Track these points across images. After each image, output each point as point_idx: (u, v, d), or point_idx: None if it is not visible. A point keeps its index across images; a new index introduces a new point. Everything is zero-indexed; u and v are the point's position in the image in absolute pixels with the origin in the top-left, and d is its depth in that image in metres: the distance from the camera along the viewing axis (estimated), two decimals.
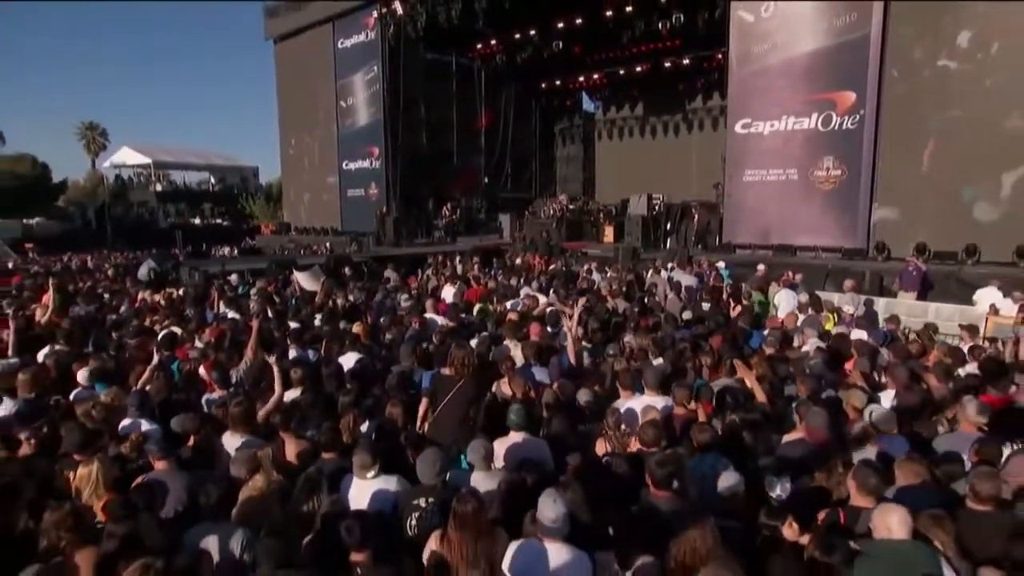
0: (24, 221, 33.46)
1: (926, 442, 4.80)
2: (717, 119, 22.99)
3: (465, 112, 26.41)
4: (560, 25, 21.60)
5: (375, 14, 23.29)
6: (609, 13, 20.40)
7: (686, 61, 22.95)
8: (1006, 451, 4.44)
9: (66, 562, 3.21)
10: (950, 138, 13.58)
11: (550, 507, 3.32)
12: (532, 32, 22.63)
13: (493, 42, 24.35)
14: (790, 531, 3.47)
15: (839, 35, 15.14)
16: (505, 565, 3.32)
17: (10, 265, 18.43)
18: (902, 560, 3.09)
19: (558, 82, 27.98)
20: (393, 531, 3.74)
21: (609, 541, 3.59)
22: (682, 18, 19.38)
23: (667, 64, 23.51)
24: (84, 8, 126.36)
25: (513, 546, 3.40)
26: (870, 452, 4.29)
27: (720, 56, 18.60)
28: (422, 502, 3.89)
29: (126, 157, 46.81)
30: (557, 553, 3.28)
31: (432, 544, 3.52)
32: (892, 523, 3.18)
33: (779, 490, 3.86)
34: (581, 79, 27.44)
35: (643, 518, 3.71)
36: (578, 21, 21.13)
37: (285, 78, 29.64)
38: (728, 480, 3.94)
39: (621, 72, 25.28)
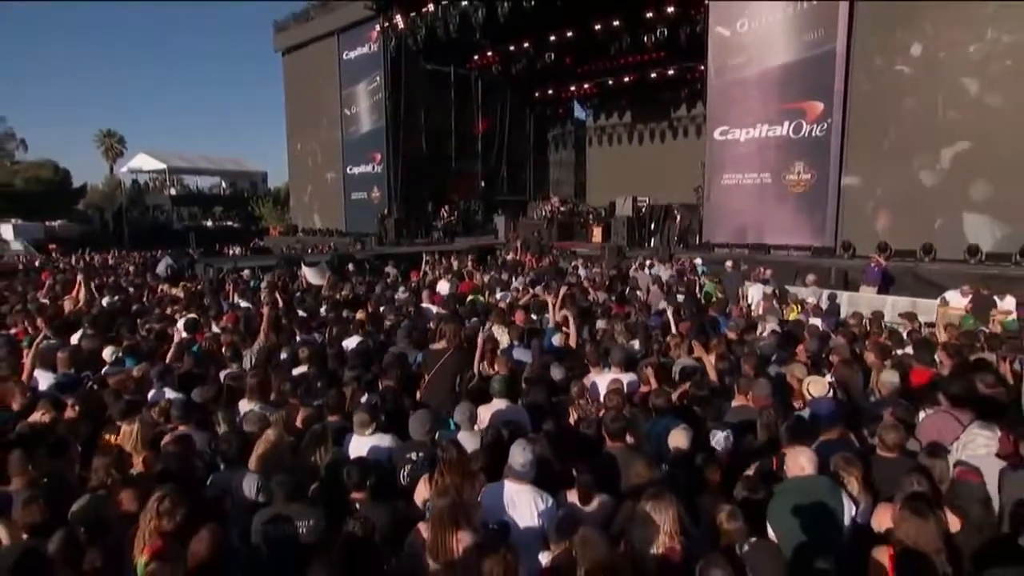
0: (47, 223, 33.75)
1: (857, 407, 5.27)
2: (700, 127, 23.22)
3: (463, 119, 26.72)
4: (552, 38, 21.89)
5: (378, 28, 23.62)
6: (598, 27, 20.70)
7: (670, 72, 23.27)
8: (922, 415, 4.93)
9: (112, 497, 3.64)
10: (905, 125, 14.24)
11: (520, 454, 3.76)
12: (526, 44, 22.91)
13: (489, 54, 24.60)
14: (716, 475, 3.92)
15: (808, 50, 15.58)
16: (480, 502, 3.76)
17: (36, 263, 18.81)
18: (808, 491, 3.53)
19: (551, 91, 28.26)
20: (388, 476, 4.16)
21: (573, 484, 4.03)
22: (666, 32, 19.67)
23: (652, 75, 23.83)
24: (104, 21, 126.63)
25: (487, 487, 3.84)
26: (804, 414, 4.75)
27: (701, 68, 18.99)
28: (413, 455, 4.32)
29: (142, 163, 47.11)
30: (523, 493, 3.70)
31: (421, 487, 3.95)
32: (802, 462, 3.64)
33: (720, 442, 4.30)
34: (572, 88, 27.76)
35: (601, 464, 4.15)
36: (569, 34, 21.43)
37: (292, 88, 29.99)
38: (677, 435, 4.37)
39: (610, 82, 25.59)
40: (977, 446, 4.20)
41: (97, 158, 56.03)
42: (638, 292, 11.62)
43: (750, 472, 4.15)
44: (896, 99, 14.27)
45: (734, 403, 5.21)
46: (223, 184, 49.37)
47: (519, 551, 3.36)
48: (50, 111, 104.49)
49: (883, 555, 3.30)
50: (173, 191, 45.46)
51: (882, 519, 3.71)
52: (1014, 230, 12.90)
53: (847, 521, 3.58)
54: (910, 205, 14.21)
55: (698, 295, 11.53)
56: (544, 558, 3.38)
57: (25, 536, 3.28)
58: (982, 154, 13.17)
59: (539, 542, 3.59)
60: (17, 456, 3.85)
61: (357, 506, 3.71)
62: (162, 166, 45.83)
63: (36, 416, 4.65)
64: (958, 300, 10.71)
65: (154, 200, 43.91)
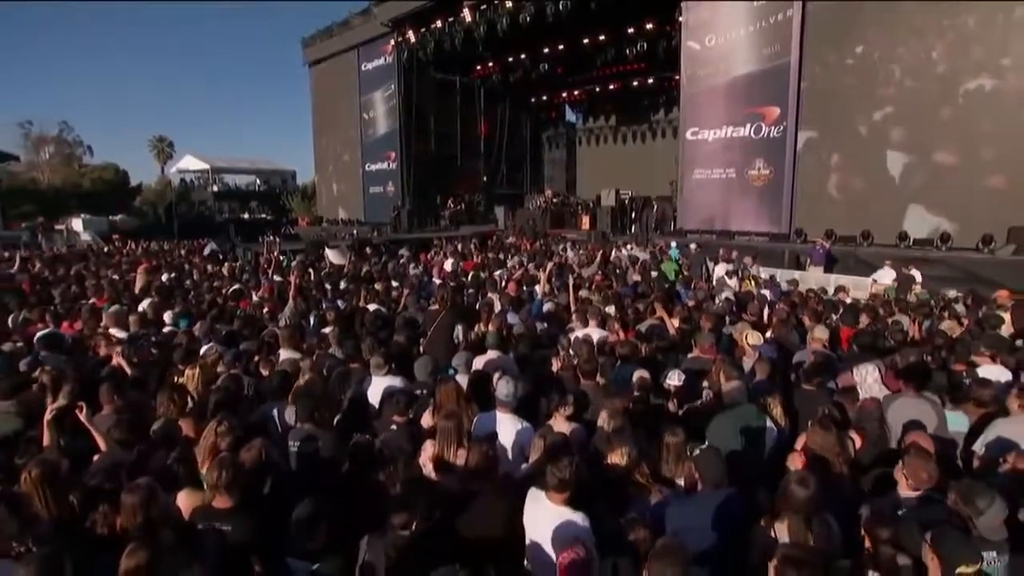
0: (110, 218, 34.13)
1: (790, 354, 5.60)
2: (675, 129, 23.15)
3: (467, 123, 26.74)
4: (546, 50, 21.97)
5: (392, 42, 23.67)
6: (586, 41, 20.81)
7: (649, 81, 23.35)
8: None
9: (175, 423, 3.97)
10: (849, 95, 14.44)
11: (504, 386, 4.05)
12: (523, 56, 22.95)
13: (491, 64, 24.61)
14: (672, 406, 4.25)
15: (766, 62, 15.72)
16: (473, 426, 4.07)
17: (105, 250, 19.19)
18: (738, 416, 3.86)
19: (545, 97, 28.34)
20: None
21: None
22: (645, 46, 19.74)
23: (634, 83, 23.90)
24: (155, 38, 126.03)
25: (479, 415, 4.15)
26: (748, 363, 5.08)
27: (676, 77, 19.10)
28: (419, 392, 4.64)
29: (188, 164, 47.09)
30: (507, 420, 4.01)
31: (427, 416, 4.27)
32: (732, 391, 3.95)
33: (673, 379, 4.61)
34: (564, 95, 27.85)
35: (575, 399, 4.44)
36: (561, 47, 21.51)
37: (318, 96, 30.05)
38: (639, 374, 4.68)
39: (597, 89, 25.67)
40: (868, 385, 4.53)
41: (150, 160, 56.29)
42: (618, 270, 11.90)
43: (696, 405, 4.49)
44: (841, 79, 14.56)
45: (690, 355, 5.51)
46: (258, 181, 49.37)
47: (501, 460, 3.70)
48: (108, 119, 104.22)
49: (796, 460, 3.63)
50: (215, 188, 45.54)
51: (801, 440, 4.04)
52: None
53: (771, 440, 3.90)
54: (854, 153, 14.49)
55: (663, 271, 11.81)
56: (524, 468, 3.69)
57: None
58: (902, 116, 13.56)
59: (519, 456, 3.91)
60: (106, 388, 4.19)
61: (393, 427, 4.01)
62: (205, 166, 45.84)
63: (114, 361, 4.98)
64: (885, 277, 11.11)
65: (199, 196, 44.03)
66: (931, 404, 3.91)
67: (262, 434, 3.94)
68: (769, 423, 3.93)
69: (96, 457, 3.41)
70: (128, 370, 4.79)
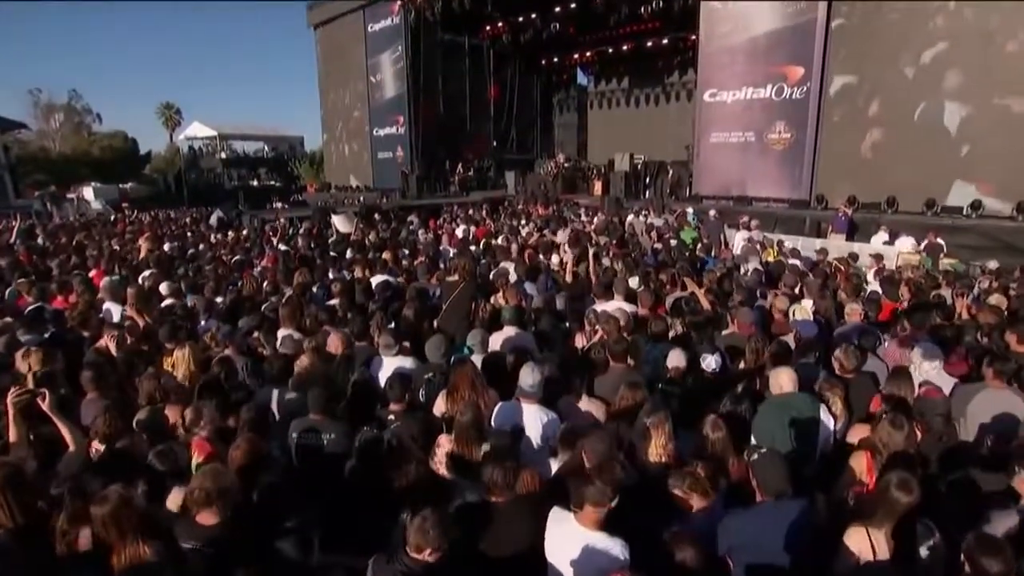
0: (120, 186, 33.63)
1: (832, 330, 5.07)
2: (690, 91, 22.30)
3: (476, 85, 25.71)
4: (557, 9, 20.90)
5: (399, 1, 22.59)
6: None
7: (664, 41, 22.19)
8: (887, 343, 4.73)
9: (161, 410, 3.54)
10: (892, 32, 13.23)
11: (529, 375, 3.58)
12: (533, 15, 21.88)
13: (500, 24, 23.53)
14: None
15: (791, 19, 14.65)
16: (494, 418, 3.62)
17: (113, 218, 18.78)
18: (788, 406, 3.36)
19: (556, 59, 27.20)
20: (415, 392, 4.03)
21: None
22: (660, 3, 18.63)
23: (648, 44, 22.73)
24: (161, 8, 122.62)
25: (499, 404, 3.69)
26: (789, 339, 4.55)
27: (693, 37, 18.11)
28: (430, 375, 4.17)
29: (196, 131, 46.21)
30: (530, 410, 3.55)
31: (440, 402, 3.82)
32: (782, 381, 3.45)
33: (711, 364, 4.12)
34: (575, 56, 26.64)
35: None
36: (572, 5, 20.41)
37: (324, 59, 28.99)
38: (674, 358, 4.19)
39: (609, 50, 24.49)
40: (924, 370, 4.03)
41: (158, 128, 55.29)
42: (634, 238, 11.32)
43: (737, 389, 3.99)
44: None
45: (725, 332, 5.01)
46: (266, 148, 48.54)
47: (527, 454, 3.26)
48: (115, 85, 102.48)
49: (861, 460, 3.16)
50: (224, 155, 44.79)
51: (856, 435, 3.56)
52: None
53: (826, 435, 3.42)
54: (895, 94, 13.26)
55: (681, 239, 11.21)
56: (554, 464, 3.24)
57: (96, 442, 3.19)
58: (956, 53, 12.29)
59: (545, 449, 3.47)
60: (89, 373, 3.76)
61: (392, 416, 3.59)
62: (213, 133, 44.98)
63: (102, 343, 4.53)
64: (909, 246, 10.49)
65: (208, 164, 43.29)
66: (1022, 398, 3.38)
67: (260, 424, 3.51)
68: (824, 414, 3.43)
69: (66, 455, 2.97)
70: (115, 351, 4.34)
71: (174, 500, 2.66)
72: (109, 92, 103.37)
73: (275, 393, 3.91)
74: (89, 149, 43.57)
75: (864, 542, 2.30)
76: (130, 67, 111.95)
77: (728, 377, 4.15)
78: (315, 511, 2.79)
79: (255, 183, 41.07)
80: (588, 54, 25.99)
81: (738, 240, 11.14)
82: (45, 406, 2.95)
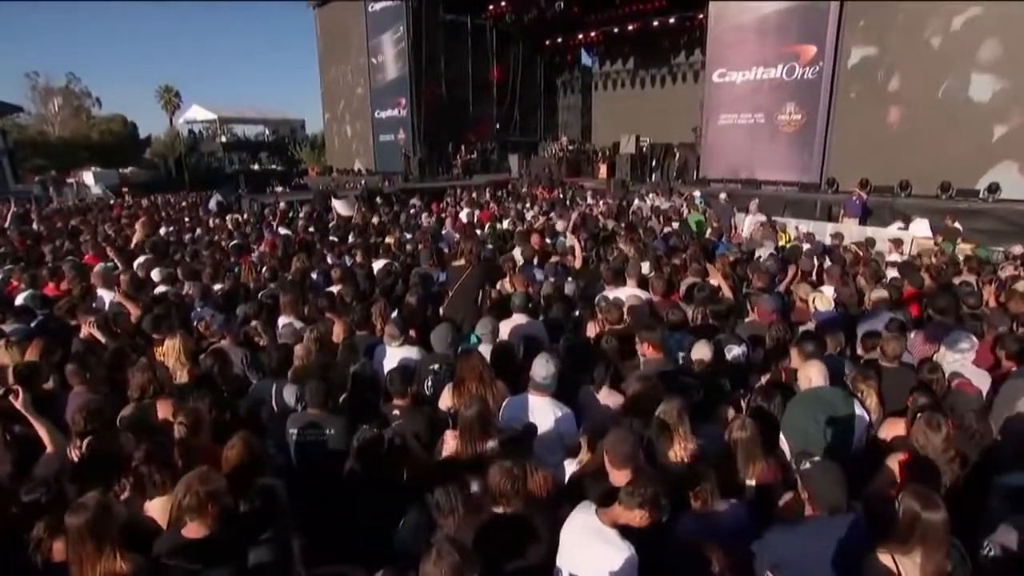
0: (120, 170, 33.28)
1: (853, 319, 4.81)
2: (697, 72, 21.87)
3: (479, 67, 25.21)
4: None
5: None
6: None
7: (671, 21, 21.63)
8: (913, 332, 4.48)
9: (150, 406, 3.32)
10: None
11: (542, 367, 3.34)
12: None
13: (503, 4, 22.99)
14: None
15: None
16: (503, 413, 3.39)
17: (111, 202, 18.50)
18: (820, 400, 3.12)
19: (560, 39, 26.50)
20: (420, 385, 3.80)
21: None
22: None
23: (654, 23, 22.16)
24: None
25: (510, 398, 3.46)
26: (811, 327, 4.30)
27: (700, 17, 17.63)
28: (436, 367, 3.94)
29: (196, 114, 45.62)
30: (543, 404, 3.31)
31: (446, 395, 3.59)
32: (812, 375, 3.21)
33: (737, 355, 3.87)
34: (580, 37, 25.93)
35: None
36: None
37: (324, 40, 28.49)
38: (699, 349, 3.95)
39: (615, 30, 23.84)
40: (950, 361, 3.80)
41: (158, 111, 54.56)
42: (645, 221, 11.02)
43: (761, 383, 3.75)
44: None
45: (746, 320, 4.75)
46: (266, 131, 48.02)
47: (539, 454, 3.03)
48: (114, 68, 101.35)
49: (894, 461, 2.94)
50: (224, 139, 44.30)
51: (890, 431, 3.33)
52: None
53: (860, 431, 3.18)
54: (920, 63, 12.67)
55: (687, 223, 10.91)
56: (571, 465, 3.01)
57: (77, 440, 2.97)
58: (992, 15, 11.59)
59: (558, 447, 3.25)
60: (73, 366, 3.53)
61: (396, 412, 3.36)
62: (213, 116, 44.45)
63: (84, 331, 4.30)
64: (924, 230, 10.20)
65: (208, 147, 42.86)
66: None
67: (255, 420, 3.30)
68: (859, 410, 3.19)
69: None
70: (103, 340, 4.11)
71: (156, 508, 2.44)
72: (107, 76, 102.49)
73: (273, 386, 3.68)
74: (88, 133, 43.13)
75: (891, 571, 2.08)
76: (127, 50, 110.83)
77: (752, 368, 3.91)
78: (305, 518, 2.58)
79: (256, 167, 40.67)
80: (593, 34, 25.37)
81: (748, 224, 10.86)
82: (19, 404, 2.72)
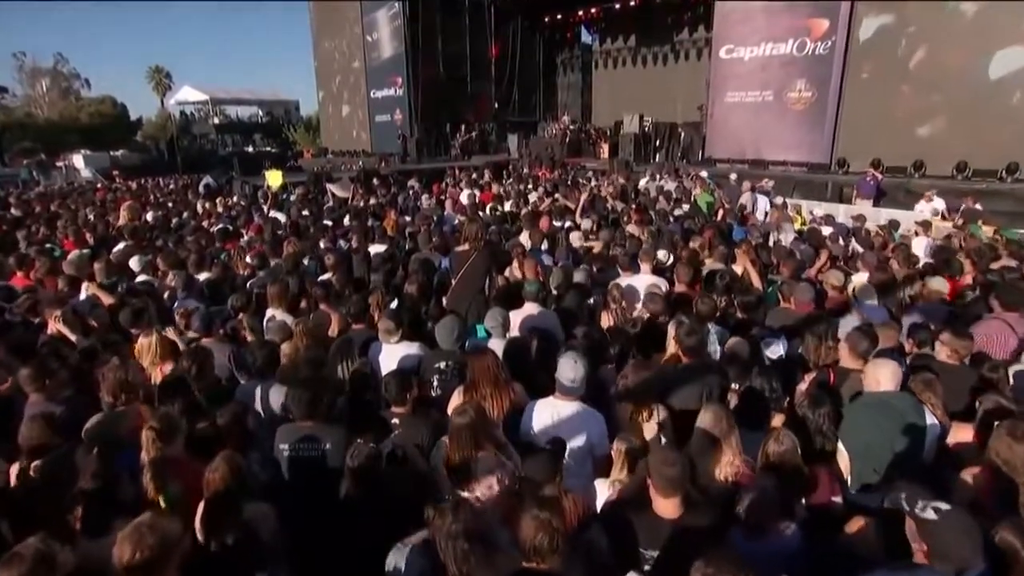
0: (111, 153, 32.57)
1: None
2: (701, 50, 21.23)
3: (477, 45, 24.38)
4: None
5: None
6: None
7: None
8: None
9: (126, 412, 2.91)
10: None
11: (570, 368, 2.89)
12: None
13: None
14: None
15: None
16: (524, 421, 2.98)
17: (99, 185, 17.89)
18: (889, 407, 2.72)
19: (559, 16, 25.82)
20: (423, 388, 3.39)
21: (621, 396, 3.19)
22: None
23: None
24: None
25: (532, 404, 3.04)
26: (854, 320, 3.87)
27: None
28: (442, 365, 3.52)
29: (187, 95, 44.59)
30: (572, 410, 2.89)
31: (456, 399, 3.18)
32: (881, 377, 2.80)
33: (777, 351, 3.47)
34: (580, 13, 25.25)
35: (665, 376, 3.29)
36: None
37: (319, 19, 27.61)
38: (737, 345, 3.55)
39: (615, 6, 23.14)
40: None
41: (148, 92, 53.38)
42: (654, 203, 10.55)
43: (804, 385, 3.34)
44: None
45: (777, 309, 4.34)
46: (260, 113, 47.06)
47: (567, 468, 2.63)
48: (103, 49, 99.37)
49: (970, 475, 2.55)
50: (216, 120, 43.37)
51: (956, 437, 2.94)
52: None
53: (931, 443, 2.78)
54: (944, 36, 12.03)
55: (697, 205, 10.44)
56: (602, 486, 2.59)
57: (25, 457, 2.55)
58: None
59: (588, 459, 2.84)
60: (28, 373, 3.08)
61: (396, 421, 2.95)
62: (205, 97, 43.44)
63: (51, 328, 3.85)
64: (940, 208, 9.77)
65: (200, 129, 42.01)
66: None
67: (239, 430, 2.87)
68: (930, 419, 2.79)
69: None
70: (73, 339, 3.66)
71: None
72: (95, 57, 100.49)
73: (258, 389, 3.26)
74: (77, 115, 42.03)
75: None
76: (115, 31, 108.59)
77: (794, 366, 3.51)
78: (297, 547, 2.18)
79: (250, 149, 39.88)
80: (592, 11, 24.63)
81: (760, 206, 10.39)
82: None
